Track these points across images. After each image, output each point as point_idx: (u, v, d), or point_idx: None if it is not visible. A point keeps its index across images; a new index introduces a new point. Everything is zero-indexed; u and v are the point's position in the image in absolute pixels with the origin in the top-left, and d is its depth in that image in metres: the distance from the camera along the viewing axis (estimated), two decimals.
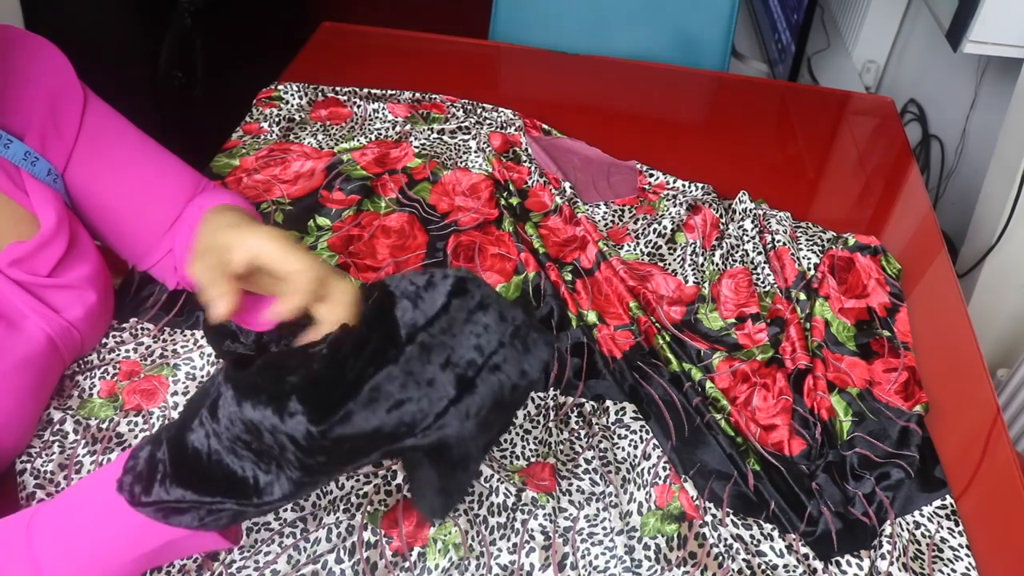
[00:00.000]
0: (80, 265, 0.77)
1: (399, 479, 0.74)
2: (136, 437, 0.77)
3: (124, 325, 0.87)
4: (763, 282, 0.97)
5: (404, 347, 0.51)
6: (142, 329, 0.86)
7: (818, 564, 0.72)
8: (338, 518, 0.70)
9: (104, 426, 0.77)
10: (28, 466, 0.73)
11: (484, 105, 1.24)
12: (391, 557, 0.69)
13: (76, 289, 0.76)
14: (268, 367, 0.53)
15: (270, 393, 0.50)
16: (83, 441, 0.75)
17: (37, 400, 0.74)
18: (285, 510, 0.71)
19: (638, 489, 0.75)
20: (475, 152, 1.13)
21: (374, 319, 0.53)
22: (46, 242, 0.73)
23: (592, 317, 0.92)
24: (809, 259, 1.00)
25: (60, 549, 0.56)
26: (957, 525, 0.75)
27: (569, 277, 0.97)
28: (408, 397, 0.50)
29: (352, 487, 0.73)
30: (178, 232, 0.83)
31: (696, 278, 0.97)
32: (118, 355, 0.83)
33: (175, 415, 0.78)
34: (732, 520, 0.74)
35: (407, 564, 0.69)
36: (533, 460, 0.78)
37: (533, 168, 1.11)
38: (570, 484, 0.76)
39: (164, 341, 0.85)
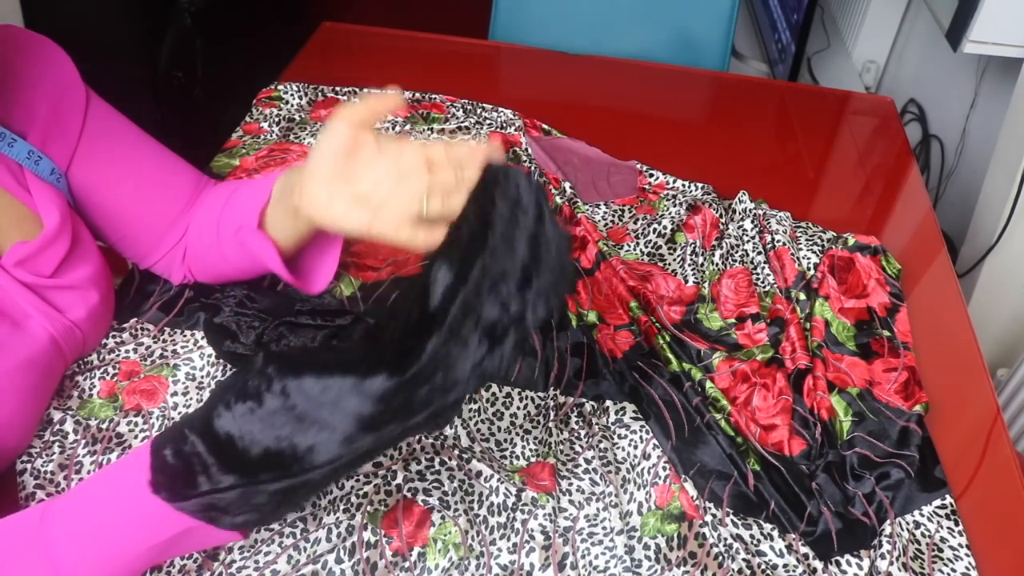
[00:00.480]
0: (82, 265, 0.77)
1: (399, 479, 0.74)
2: (136, 437, 0.77)
3: (124, 325, 0.87)
4: (763, 282, 0.98)
5: (447, 313, 0.55)
6: (142, 329, 0.86)
7: (818, 564, 0.72)
8: (338, 518, 0.70)
9: (104, 426, 0.77)
10: (28, 466, 0.73)
11: (484, 105, 1.24)
12: (391, 557, 0.69)
13: (79, 289, 0.76)
14: (309, 351, 0.56)
15: (335, 359, 0.54)
16: (83, 441, 0.75)
17: (39, 400, 0.74)
18: None
19: (638, 489, 0.76)
20: None
21: (414, 295, 0.57)
22: (49, 242, 0.74)
23: (592, 317, 0.92)
24: (809, 259, 1.00)
25: (74, 541, 0.56)
26: (957, 525, 0.75)
27: None
28: (453, 355, 0.55)
29: (352, 487, 0.73)
30: (190, 230, 0.84)
31: (696, 278, 0.97)
32: (118, 355, 0.83)
33: (175, 415, 0.78)
34: (732, 520, 0.74)
35: (407, 564, 0.69)
36: (533, 460, 0.78)
37: (533, 168, 1.12)
38: (570, 484, 0.76)
39: (164, 341, 0.85)
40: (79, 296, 0.76)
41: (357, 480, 0.74)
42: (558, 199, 1.07)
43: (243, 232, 0.75)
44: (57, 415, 0.77)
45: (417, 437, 0.77)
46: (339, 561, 0.67)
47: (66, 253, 0.75)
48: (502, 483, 0.74)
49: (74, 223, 0.77)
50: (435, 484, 0.74)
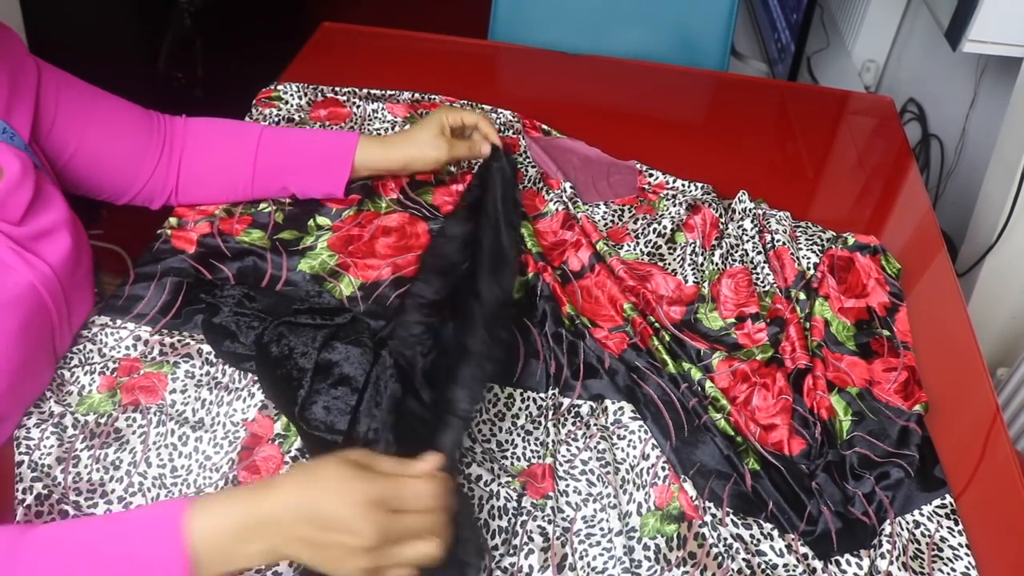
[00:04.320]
0: (49, 211, 0.79)
1: None
2: (134, 433, 0.77)
3: (123, 325, 0.86)
4: (763, 282, 0.97)
5: None
6: (140, 331, 0.86)
7: (818, 564, 0.72)
8: None
9: (103, 421, 0.77)
10: (26, 459, 0.73)
11: (483, 106, 1.24)
12: None
13: (50, 234, 0.79)
14: None
15: None
16: (81, 436, 0.76)
17: (23, 344, 0.74)
18: None
19: (637, 490, 0.75)
20: None
21: None
22: (14, 188, 0.76)
23: (583, 321, 0.91)
24: (809, 259, 1.00)
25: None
26: (957, 524, 0.75)
27: (558, 280, 0.97)
28: None
29: None
30: (184, 164, 0.96)
31: (696, 278, 0.97)
32: (118, 352, 0.83)
33: (173, 412, 0.78)
34: (732, 520, 0.74)
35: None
36: (534, 461, 0.78)
37: (527, 174, 1.11)
38: (567, 485, 0.76)
39: (163, 342, 0.85)
40: (51, 241, 0.79)
41: None
42: (550, 204, 1.07)
43: (314, 189, 1.01)
44: (57, 408, 0.77)
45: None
46: None
47: (31, 199, 0.77)
48: (502, 487, 0.74)
49: (36, 175, 0.79)
50: None
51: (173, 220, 0.99)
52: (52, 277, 0.78)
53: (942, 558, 0.73)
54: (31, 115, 0.82)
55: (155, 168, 0.94)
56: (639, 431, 0.79)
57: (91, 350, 0.84)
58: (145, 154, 0.94)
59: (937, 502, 0.77)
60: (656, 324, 0.91)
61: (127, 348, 0.84)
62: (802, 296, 0.95)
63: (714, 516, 0.74)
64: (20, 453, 0.74)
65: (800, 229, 1.06)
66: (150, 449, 0.76)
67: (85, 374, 0.81)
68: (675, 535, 0.72)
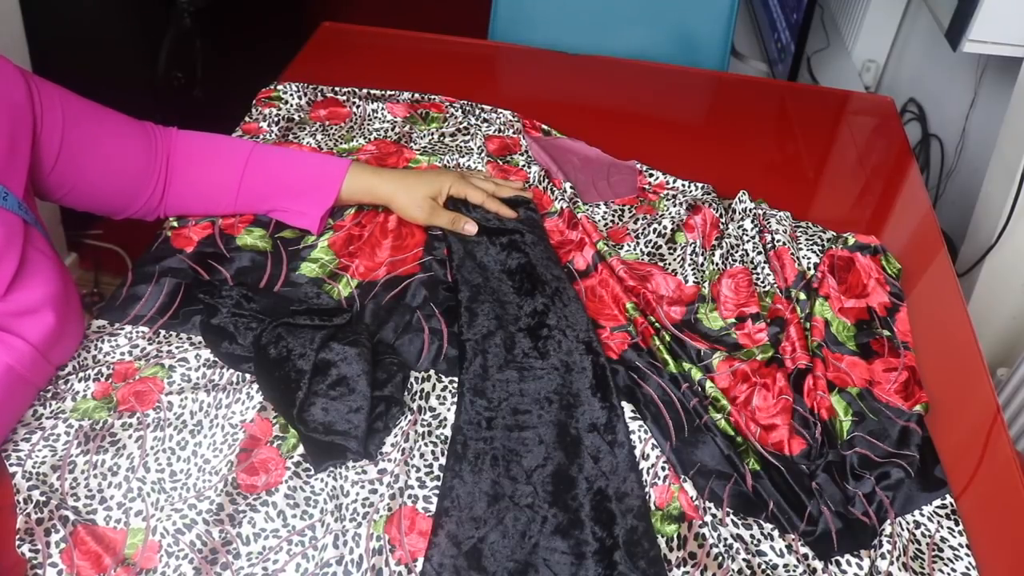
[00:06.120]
0: (35, 286, 0.75)
1: (402, 484, 0.74)
2: (130, 438, 0.76)
3: (119, 328, 0.86)
4: (763, 282, 0.97)
5: None
6: (137, 332, 0.86)
7: (818, 564, 0.72)
8: (344, 526, 0.70)
9: (98, 427, 0.77)
10: (20, 469, 0.73)
11: (483, 106, 1.24)
12: (394, 566, 0.69)
13: (34, 312, 0.75)
14: None
15: None
16: (76, 442, 0.75)
17: (1, 420, 0.73)
18: (294, 516, 0.71)
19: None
20: (476, 154, 1.13)
21: None
22: None
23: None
24: (809, 259, 0.99)
25: None
26: (957, 525, 0.75)
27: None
28: None
29: (358, 495, 0.73)
30: (172, 185, 0.95)
31: (696, 278, 0.97)
32: (113, 357, 0.83)
33: (171, 416, 0.78)
34: (732, 520, 0.74)
35: (413, 575, 0.69)
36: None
37: (531, 172, 1.11)
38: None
39: (159, 343, 0.85)
40: (33, 319, 0.75)
41: (363, 487, 0.73)
42: (556, 203, 1.07)
43: (294, 217, 0.99)
44: (49, 420, 0.76)
45: (419, 444, 0.77)
46: (346, 570, 0.67)
47: (15, 271, 0.73)
48: None
49: (24, 241, 0.75)
50: (436, 491, 0.74)
51: (174, 219, 0.99)
52: (32, 354, 0.75)
53: (942, 558, 0.72)
54: (27, 164, 0.79)
55: (153, 188, 0.94)
56: (639, 431, 0.79)
57: (85, 357, 0.83)
58: (145, 177, 0.93)
59: (937, 502, 0.77)
60: (656, 324, 0.91)
61: (121, 354, 0.84)
62: (802, 296, 0.95)
63: (714, 516, 0.74)
64: (11, 464, 0.73)
65: (800, 229, 1.06)
66: (148, 454, 0.75)
67: (79, 380, 0.80)
68: (675, 535, 0.72)
